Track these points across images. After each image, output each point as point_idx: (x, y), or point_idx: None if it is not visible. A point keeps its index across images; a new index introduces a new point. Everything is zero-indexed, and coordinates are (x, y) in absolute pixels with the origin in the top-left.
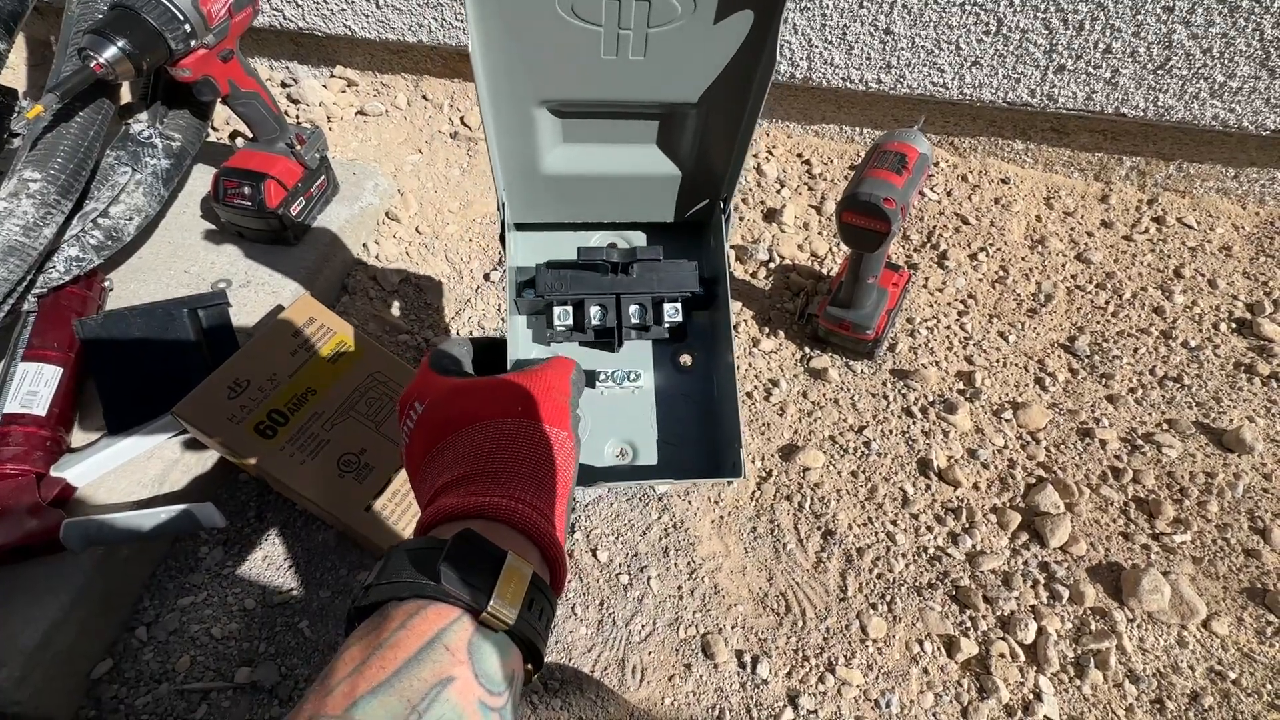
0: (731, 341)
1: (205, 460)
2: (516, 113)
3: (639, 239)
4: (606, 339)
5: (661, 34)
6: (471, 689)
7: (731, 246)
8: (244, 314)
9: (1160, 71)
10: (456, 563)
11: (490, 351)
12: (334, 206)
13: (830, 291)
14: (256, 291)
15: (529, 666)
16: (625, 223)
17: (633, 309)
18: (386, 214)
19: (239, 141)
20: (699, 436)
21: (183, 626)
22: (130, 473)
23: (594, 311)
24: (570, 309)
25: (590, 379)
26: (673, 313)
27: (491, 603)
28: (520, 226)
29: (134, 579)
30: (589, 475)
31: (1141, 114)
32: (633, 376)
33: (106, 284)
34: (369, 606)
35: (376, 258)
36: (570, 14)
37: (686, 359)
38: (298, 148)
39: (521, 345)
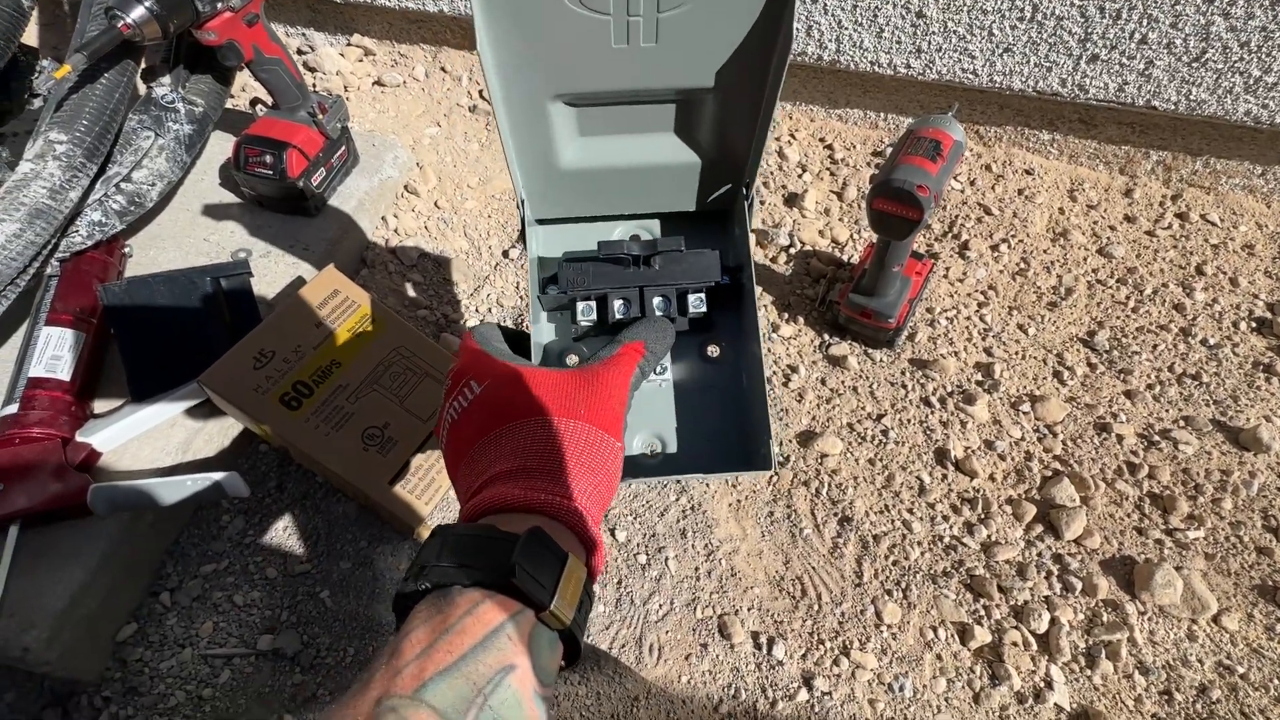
0: (759, 331)
1: (228, 429)
2: (530, 108)
3: (660, 229)
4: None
5: (672, 18)
6: (528, 680)
7: (752, 230)
8: (264, 285)
9: (1195, 64)
10: (528, 559)
11: (516, 343)
12: (353, 178)
13: (852, 278)
14: (277, 262)
15: (563, 663)
16: (646, 213)
17: (656, 301)
18: (405, 187)
19: (259, 109)
20: (727, 429)
21: (205, 593)
22: (154, 440)
23: (618, 305)
24: (594, 304)
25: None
26: (697, 303)
27: (554, 602)
28: (540, 221)
29: (157, 545)
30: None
31: (1172, 107)
32: (660, 369)
33: (126, 250)
34: (424, 590)
35: (395, 231)
36: (578, 4)
37: (714, 350)
38: (320, 116)
39: (546, 342)
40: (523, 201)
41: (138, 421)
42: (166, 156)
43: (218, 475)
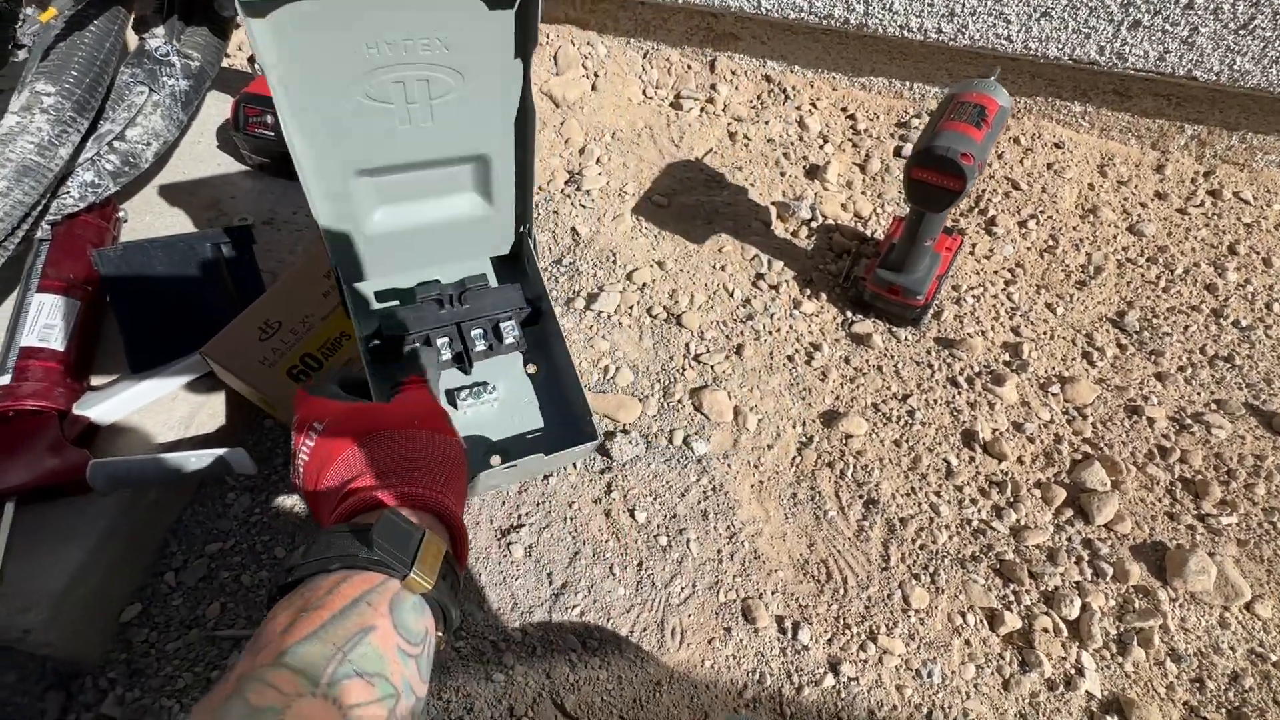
0: (565, 345)
1: (233, 403)
2: (335, 183)
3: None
4: (459, 363)
5: (443, 103)
6: (390, 637)
7: (772, 203)
8: (266, 255)
9: (1242, 31)
10: (384, 537)
11: (354, 389)
12: None
13: (878, 253)
14: (279, 230)
15: (440, 632)
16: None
17: (475, 333)
18: None
19: (258, 66)
20: (555, 421)
21: (212, 573)
22: (156, 414)
23: (441, 343)
24: (419, 349)
25: (451, 399)
26: (511, 330)
27: (413, 571)
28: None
29: (161, 523)
30: (480, 481)
31: (1214, 78)
32: (490, 390)
33: (121, 215)
34: (293, 583)
35: None
36: (366, 98)
37: (531, 368)
38: None
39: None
40: (335, 268)
41: (137, 395)
42: (162, 114)
43: (222, 451)
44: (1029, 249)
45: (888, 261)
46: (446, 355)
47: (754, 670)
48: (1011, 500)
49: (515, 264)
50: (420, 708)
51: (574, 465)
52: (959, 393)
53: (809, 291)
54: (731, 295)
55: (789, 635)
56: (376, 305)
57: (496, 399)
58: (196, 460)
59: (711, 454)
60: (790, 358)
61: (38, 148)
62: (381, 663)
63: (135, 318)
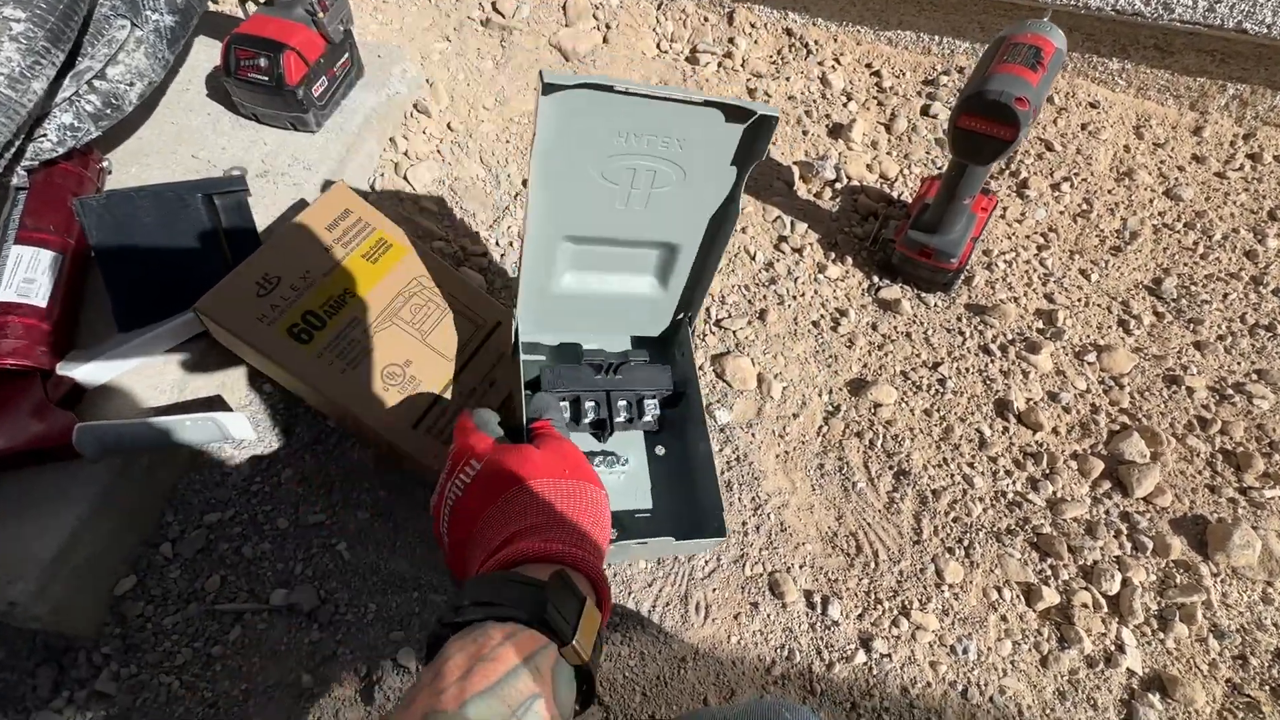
0: (707, 433)
1: (229, 367)
2: (549, 243)
3: (621, 341)
4: (598, 430)
5: (659, 193)
6: (552, 709)
7: (794, 163)
8: (261, 208)
9: None
10: (557, 598)
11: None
12: (358, 92)
13: (908, 215)
14: (275, 183)
15: (577, 707)
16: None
17: (620, 404)
18: (415, 106)
19: (249, 6)
20: (681, 508)
21: (210, 545)
22: (147, 376)
23: (588, 406)
24: (568, 405)
25: None
26: (652, 409)
27: (576, 639)
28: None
29: (155, 491)
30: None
31: (1265, 30)
32: (622, 462)
33: (104, 164)
34: (462, 622)
35: (405, 154)
36: (601, 176)
37: (660, 450)
38: (320, 15)
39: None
40: (517, 324)
41: (126, 354)
42: (145, 51)
43: (218, 415)
44: (1062, 213)
45: (920, 222)
46: (590, 418)
47: (782, 646)
48: (1048, 472)
49: (664, 346)
50: None
51: None
52: (992, 361)
53: (834, 255)
54: (753, 258)
55: (818, 610)
56: (525, 356)
57: (625, 471)
58: (190, 425)
59: (735, 423)
60: (815, 323)
61: (8, 80)
62: None
63: (122, 272)
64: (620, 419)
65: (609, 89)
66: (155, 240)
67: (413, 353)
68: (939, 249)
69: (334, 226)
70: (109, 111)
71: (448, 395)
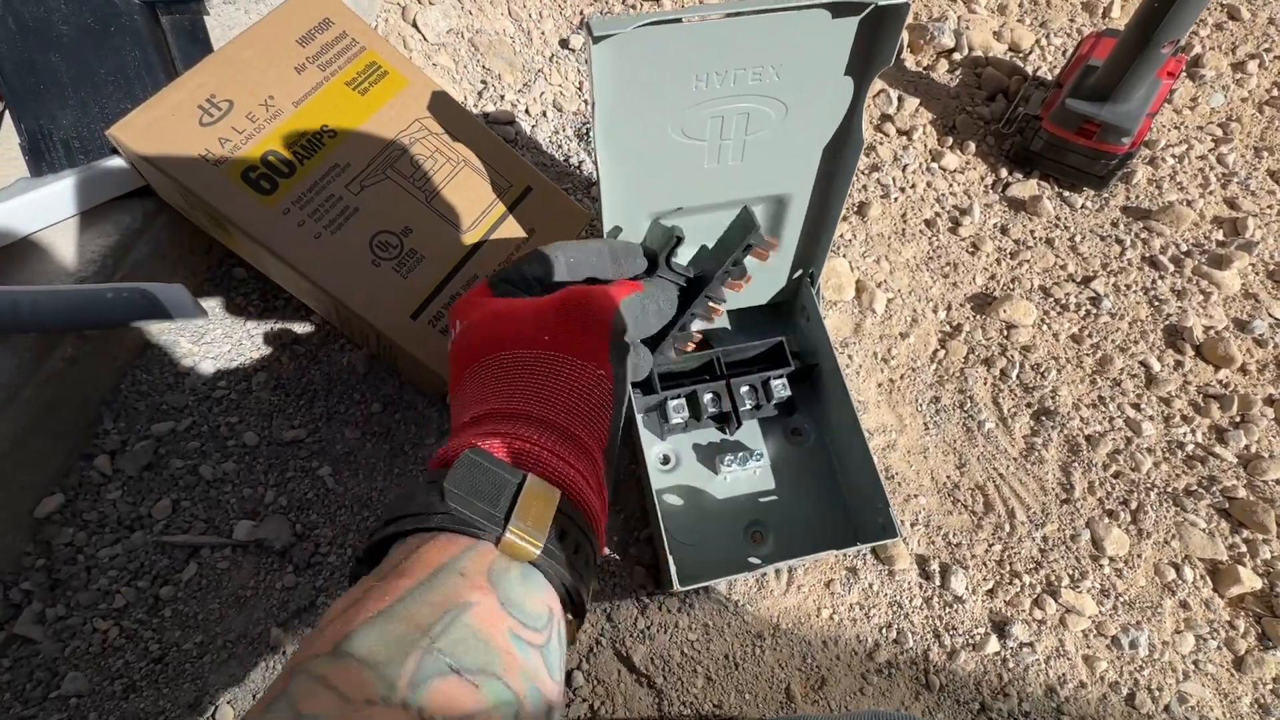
0: (853, 410)
1: (182, 232)
2: (630, 228)
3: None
4: (722, 423)
5: (756, 139)
6: (498, 617)
7: (906, 28)
8: (224, 40)
9: None
10: (460, 486)
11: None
12: None
13: (1060, 85)
14: (242, 10)
15: (570, 617)
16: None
17: (743, 390)
18: None
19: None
20: (833, 504)
21: (160, 460)
22: (69, 239)
23: (708, 399)
24: (684, 401)
25: (711, 463)
26: (781, 388)
27: (510, 526)
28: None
29: (88, 390)
30: (732, 567)
31: None
32: (756, 457)
33: None
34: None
35: None
36: (682, 135)
37: (799, 432)
38: None
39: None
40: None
41: (39, 203)
42: None
43: (150, 285)
44: (1245, 100)
45: (1084, 88)
46: (713, 410)
47: (889, 625)
48: (1238, 420)
49: (784, 311)
50: None
51: None
52: (1161, 277)
53: (951, 141)
54: None
55: (935, 582)
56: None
57: (761, 465)
58: (111, 296)
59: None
60: (929, 223)
61: None
62: (488, 654)
63: (32, 101)
64: (746, 407)
65: (675, 21)
66: (77, 60)
67: (414, 217)
68: (1110, 123)
69: (309, 40)
70: None
71: (457, 276)
